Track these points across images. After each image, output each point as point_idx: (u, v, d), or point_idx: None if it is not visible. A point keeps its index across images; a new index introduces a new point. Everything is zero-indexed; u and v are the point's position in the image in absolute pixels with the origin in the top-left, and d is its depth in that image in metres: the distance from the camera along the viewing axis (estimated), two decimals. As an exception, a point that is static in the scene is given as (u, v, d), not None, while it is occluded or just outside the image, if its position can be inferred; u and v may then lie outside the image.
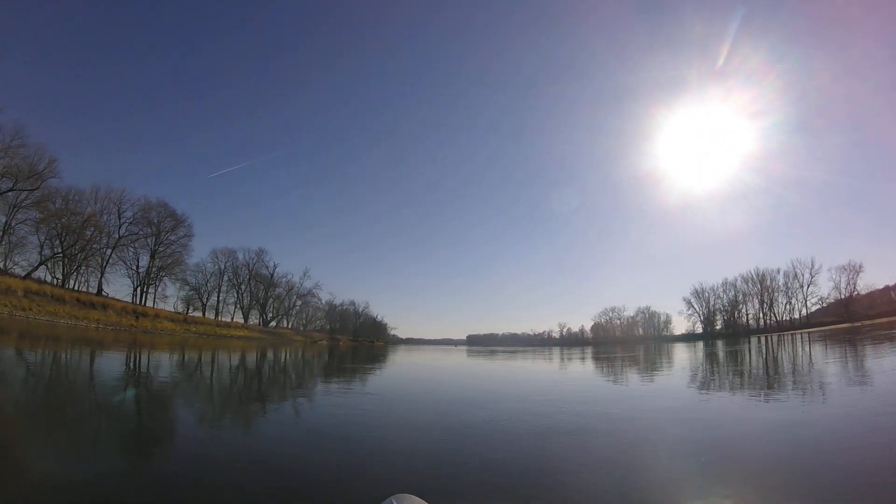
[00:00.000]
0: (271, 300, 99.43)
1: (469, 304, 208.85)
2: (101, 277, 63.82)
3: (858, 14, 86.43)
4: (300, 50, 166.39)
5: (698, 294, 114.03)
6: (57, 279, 58.56)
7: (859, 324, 66.84)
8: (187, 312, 78.22)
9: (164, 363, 22.04)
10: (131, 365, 19.38)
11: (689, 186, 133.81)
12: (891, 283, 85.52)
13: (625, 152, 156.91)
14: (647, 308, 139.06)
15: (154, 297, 73.52)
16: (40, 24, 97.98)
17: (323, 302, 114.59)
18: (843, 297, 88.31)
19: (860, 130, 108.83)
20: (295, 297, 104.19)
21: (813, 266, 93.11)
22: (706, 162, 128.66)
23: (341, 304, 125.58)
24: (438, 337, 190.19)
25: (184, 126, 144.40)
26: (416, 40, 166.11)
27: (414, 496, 3.00)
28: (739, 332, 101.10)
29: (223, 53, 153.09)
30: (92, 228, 60.05)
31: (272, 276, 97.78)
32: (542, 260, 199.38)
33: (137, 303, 67.40)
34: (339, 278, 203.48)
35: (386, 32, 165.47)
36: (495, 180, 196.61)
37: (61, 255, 57.30)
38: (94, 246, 61.79)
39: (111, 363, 19.69)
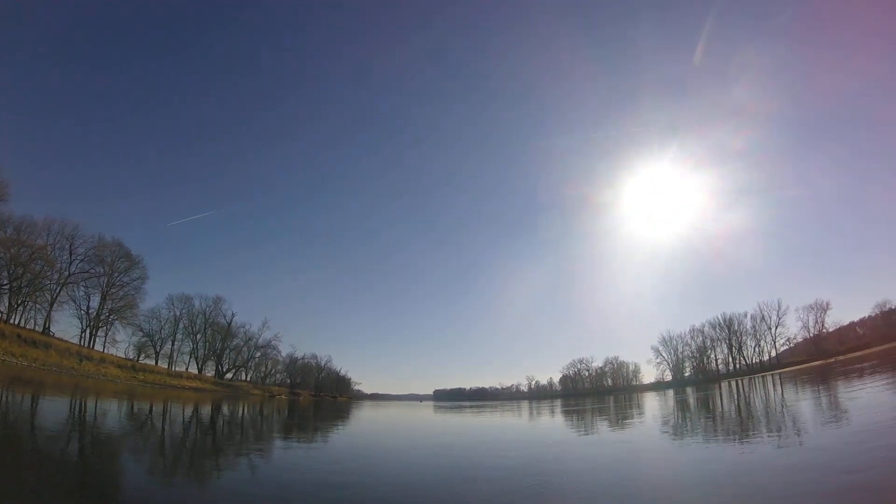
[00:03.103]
0: (228, 351, 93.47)
1: (435, 359, 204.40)
2: (48, 315, 59.46)
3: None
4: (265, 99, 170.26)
5: (666, 342, 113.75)
6: (0, 313, 53.92)
7: (833, 360, 67.49)
8: (138, 359, 72.99)
9: (83, 414, 19.40)
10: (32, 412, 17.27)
11: (655, 237, 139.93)
12: (856, 319, 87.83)
13: (597, 201, 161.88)
14: (616, 358, 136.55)
15: (104, 341, 68.62)
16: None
17: (283, 354, 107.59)
18: (811, 335, 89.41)
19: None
20: (253, 348, 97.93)
21: (780, 307, 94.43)
22: (668, 211, 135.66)
23: (303, 358, 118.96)
24: (404, 392, 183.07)
25: (147, 173, 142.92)
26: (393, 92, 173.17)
27: None
28: (709, 377, 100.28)
29: (190, 102, 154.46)
30: (41, 262, 56.21)
31: (229, 325, 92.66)
32: (509, 313, 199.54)
33: (85, 345, 62.43)
34: (300, 331, 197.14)
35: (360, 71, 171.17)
36: (458, 231, 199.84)
37: (7, 287, 53.11)
38: (44, 281, 57.67)
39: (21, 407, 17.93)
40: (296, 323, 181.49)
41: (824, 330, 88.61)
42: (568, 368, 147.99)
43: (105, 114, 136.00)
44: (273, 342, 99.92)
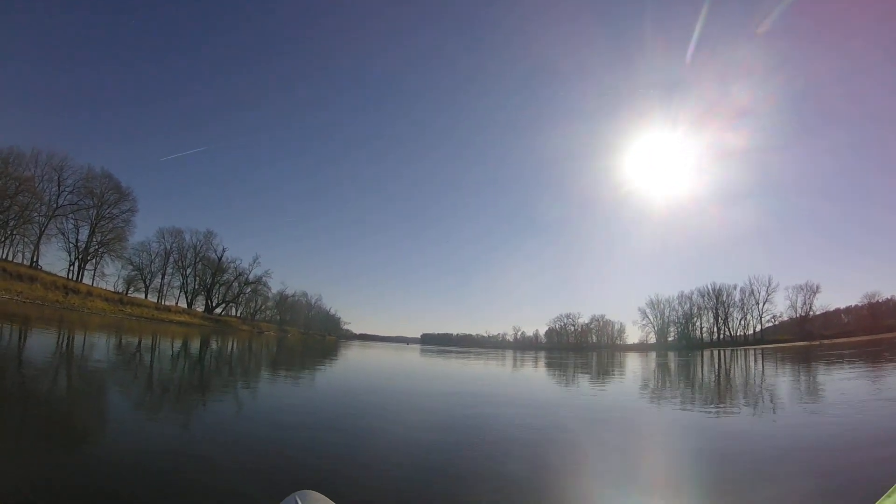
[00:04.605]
0: (218, 286, 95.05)
1: (425, 304, 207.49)
2: (35, 249, 60.64)
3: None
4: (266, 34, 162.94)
5: (653, 305, 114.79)
6: (-14, 246, 55.21)
7: (817, 343, 69.05)
8: (127, 293, 75.27)
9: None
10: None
11: (652, 199, 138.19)
12: (842, 307, 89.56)
13: (598, 164, 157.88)
14: (602, 316, 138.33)
15: (93, 275, 70.37)
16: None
17: (273, 291, 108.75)
18: (798, 315, 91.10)
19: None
20: (243, 283, 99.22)
21: (770, 284, 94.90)
22: (669, 177, 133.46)
23: (293, 295, 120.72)
24: (393, 334, 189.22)
25: (140, 97, 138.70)
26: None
27: (316, 492, 2.96)
28: (692, 344, 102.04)
29: (191, 27, 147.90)
30: (28, 194, 56.88)
31: (220, 260, 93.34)
32: (500, 264, 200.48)
33: (73, 279, 64.36)
34: (291, 270, 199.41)
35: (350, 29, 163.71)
36: (460, 177, 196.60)
37: (-7, 220, 54.12)
38: (31, 214, 58.53)
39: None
40: (287, 261, 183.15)
41: (811, 312, 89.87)
42: (554, 322, 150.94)
43: (102, 50, 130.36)
44: (264, 278, 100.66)
